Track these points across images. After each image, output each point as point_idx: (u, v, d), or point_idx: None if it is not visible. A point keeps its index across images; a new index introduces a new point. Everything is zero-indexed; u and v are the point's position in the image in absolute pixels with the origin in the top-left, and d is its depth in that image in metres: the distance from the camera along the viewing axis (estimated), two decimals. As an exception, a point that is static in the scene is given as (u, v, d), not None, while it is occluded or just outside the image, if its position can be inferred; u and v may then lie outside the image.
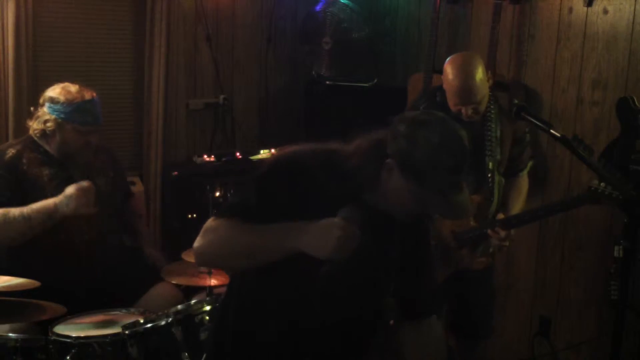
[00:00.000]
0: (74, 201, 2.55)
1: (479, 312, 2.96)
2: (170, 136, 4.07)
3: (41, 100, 2.71)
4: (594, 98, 3.27)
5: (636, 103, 2.98)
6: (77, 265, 2.68)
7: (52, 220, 2.56)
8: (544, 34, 3.46)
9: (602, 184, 2.46)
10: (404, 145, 1.58)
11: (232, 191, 1.67)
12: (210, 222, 1.70)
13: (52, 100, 2.66)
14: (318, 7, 4.22)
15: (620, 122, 3.01)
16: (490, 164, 2.74)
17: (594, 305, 3.33)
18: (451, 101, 2.70)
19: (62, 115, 2.65)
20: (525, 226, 3.42)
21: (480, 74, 2.66)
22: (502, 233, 2.66)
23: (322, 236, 1.54)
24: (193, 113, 4.24)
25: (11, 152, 2.67)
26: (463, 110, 2.67)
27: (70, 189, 2.57)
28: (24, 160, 2.67)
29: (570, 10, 3.33)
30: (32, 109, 2.78)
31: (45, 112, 2.67)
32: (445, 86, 2.73)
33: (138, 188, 3.90)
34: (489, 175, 2.75)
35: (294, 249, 1.57)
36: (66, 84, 2.72)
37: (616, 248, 2.66)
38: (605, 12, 3.19)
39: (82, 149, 2.72)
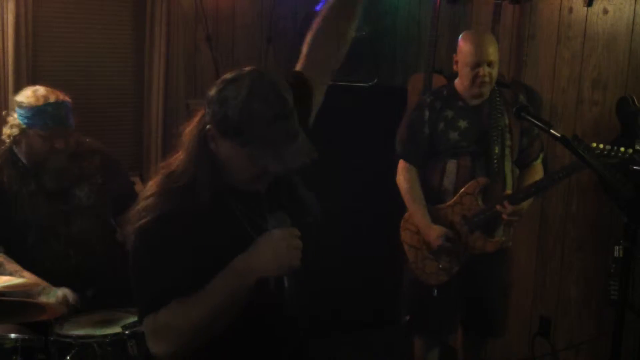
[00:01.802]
0: (53, 303, 2.41)
1: (493, 309, 3.01)
2: (170, 136, 4.07)
3: (14, 105, 2.63)
4: (594, 98, 3.27)
5: (636, 103, 2.98)
6: (71, 283, 2.64)
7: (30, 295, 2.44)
8: (544, 34, 3.46)
9: (601, 145, 2.58)
10: (217, 107, 1.54)
11: (136, 285, 1.57)
12: (152, 323, 1.55)
13: (19, 105, 2.57)
14: (318, 7, 4.19)
15: (620, 122, 3.01)
16: (497, 149, 2.84)
17: (594, 305, 3.33)
18: (465, 67, 2.82)
19: (25, 120, 2.54)
20: (525, 223, 3.43)
21: (494, 41, 2.87)
22: (509, 208, 2.75)
23: (272, 254, 1.50)
24: (193, 113, 4.23)
25: None
26: (480, 72, 2.78)
27: (61, 293, 2.45)
28: (5, 179, 2.60)
29: (570, 10, 3.33)
30: (4, 113, 2.69)
31: (15, 117, 2.58)
32: (459, 57, 2.87)
33: (138, 188, 3.89)
34: (495, 159, 2.84)
35: (251, 283, 1.51)
36: (37, 87, 2.60)
37: (616, 248, 2.67)
38: (605, 12, 3.19)
39: (49, 155, 2.59)
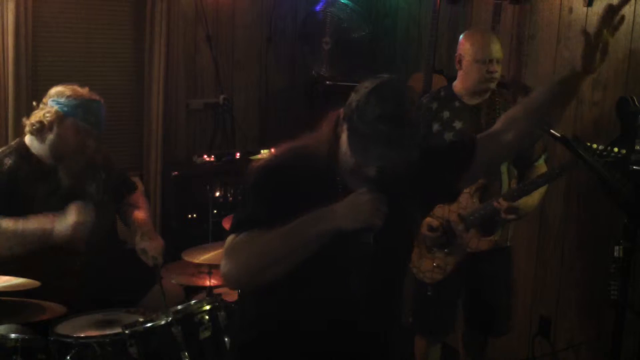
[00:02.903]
0: (71, 231, 2.49)
1: (497, 307, 3.02)
2: (170, 136, 4.07)
3: (45, 99, 2.64)
4: (594, 98, 3.26)
5: (636, 103, 2.98)
6: (76, 275, 2.66)
7: (45, 243, 2.48)
8: (544, 34, 3.45)
9: (594, 145, 2.60)
10: (350, 98, 1.67)
11: (237, 205, 1.75)
12: (230, 241, 1.68)
13: (58, 94, 2.60)
14: (318, 7, 4.22)
15: (620, 122, 3.01)
16: None
17: (594, 305, 3.33)
18: (475, 63, 2.81)
19: (65, 109, 2.57)
20: (525, 223, 3.43)
21: (499, 39, 2.88)
22: (504, 204, 2.75)
23: (353, 206, 1.59)
24: (193, 113, 4.24)
25: (8, 162, 2.58)
26: (491, 67, 2.79)
27: (70, 217, 2.50)
28: (21, 173, 2.58)
29: (570, 10, 3.33)
30: (34, 103, 2.69)
31: (47, 106, 2.59)
32: (464, 55, 2.85)
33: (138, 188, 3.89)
34: None
35: (328, 231, 1.59)
36: (75, 85, 2.66)
37: (616, 248, 2.66)
38: (605, 12, 3.19)
39: (76, 150, 2.62)
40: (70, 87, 2.63)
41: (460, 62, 2.88)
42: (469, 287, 3.02)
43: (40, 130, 2.59)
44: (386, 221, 1.61)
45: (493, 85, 2.86)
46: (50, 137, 2.59)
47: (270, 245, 1.63)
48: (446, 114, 2.89)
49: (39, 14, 3.64)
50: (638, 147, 2.82)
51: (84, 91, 2.64)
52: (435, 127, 2.89)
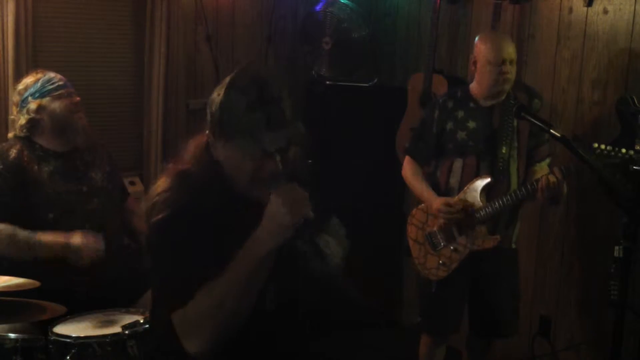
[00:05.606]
0: (82, 252, 2.60)
1: (501, 310, 3.03)
2: (170, 136, 4.07)
3: (14, 110, 2.78)
4: (594, 98, 3.27)
5: (636, 103, 2.98)
6: (78, 266, 2.68)
7: (55, 257, 2.58)
8: (544, 34, 3.46)
9: (602, 146, 2.59)
10: (208, 110, 1.58)
11: (158, 282, 1.58)
12: (181, 317, 1.51)
13: (19, 94, 2.73)
14: (318, 7, 4.22)
15: (620, 122, 3.01)
16: (504, 149, 2.88)
17: (594, 305, 3.33)
18: (488, 65, 2.84)
19: (36, 95, 2.70)
20: (525, 223, 3.44)
21: (512, 41, 2.93)
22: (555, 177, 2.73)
23: (273, 217, 1.48)
24: (193, 113, 4.24)
25: (13, 152, 2.68)
26: (504, 68, 2.82)
27: (77, 239, 2.60)
28: (25, 159, 2.68)
29: (570, 10, 3.33)
30: (10, 117, 2.83)
31: (21, 109, 2.72)
32: (478, 57, 2.90)
33: (138, 188, 3.89)
34: (501, 160, 2.88)
35: (268, 252, 1.50)
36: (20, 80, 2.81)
37: (616, 248, 2.66)
38: (605, 12, 3.19)
39: (72, 113, 2.74)
40: (19, 84, 2.78)
41: (475, 64, 2.92)
42: (473, 288, 3.04)
43: (34, 127, 2.72)
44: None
45: (508, 87, 2.88)
46: (46, 122, 2.72)
47: (222, 293, 1.48)
48: (460, 114, 2.94)
49: (39, 14, 3.64)
50: (638, 147, 2.82)
51: (30, 75, 2.78)
52: (450, 125, 2.95)
